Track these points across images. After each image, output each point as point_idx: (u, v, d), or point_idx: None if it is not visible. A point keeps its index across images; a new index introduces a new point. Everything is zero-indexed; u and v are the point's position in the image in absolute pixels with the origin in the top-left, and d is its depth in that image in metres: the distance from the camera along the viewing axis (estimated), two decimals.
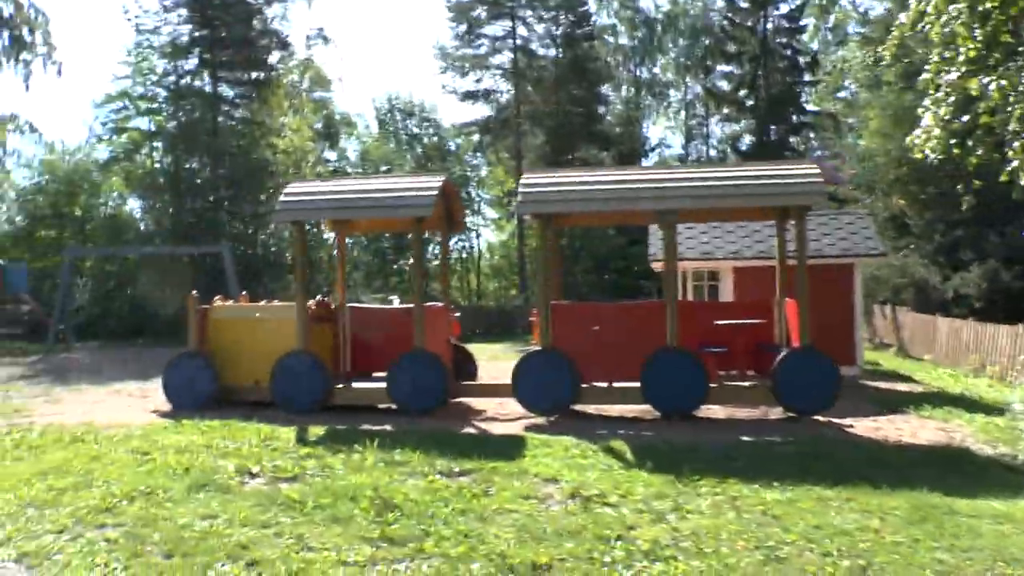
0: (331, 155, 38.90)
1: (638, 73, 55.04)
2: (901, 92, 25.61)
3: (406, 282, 42.61)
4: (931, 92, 9.64)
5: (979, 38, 8.72)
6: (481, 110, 42.09)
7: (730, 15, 44.91)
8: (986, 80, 8.64)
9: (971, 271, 21.88)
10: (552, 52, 41.57)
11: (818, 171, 10.86)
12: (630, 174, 11.05)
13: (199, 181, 27.76)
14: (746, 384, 11.03)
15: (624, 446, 8.80)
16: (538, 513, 6.19)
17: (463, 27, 40.63)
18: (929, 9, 9.24)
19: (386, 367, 12.37)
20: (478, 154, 41.88)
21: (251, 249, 26.70)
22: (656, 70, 56.05)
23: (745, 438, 9.61)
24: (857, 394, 13.05)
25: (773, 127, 43.98)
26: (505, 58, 41.48)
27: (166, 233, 28.06)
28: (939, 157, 9.74)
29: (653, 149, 47.69)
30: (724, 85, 50.61)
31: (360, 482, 6.73)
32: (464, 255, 44.64)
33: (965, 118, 9.26)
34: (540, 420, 10.67)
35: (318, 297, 12.47)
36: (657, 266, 15.45)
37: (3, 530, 5.59)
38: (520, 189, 10.75)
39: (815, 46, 48.46)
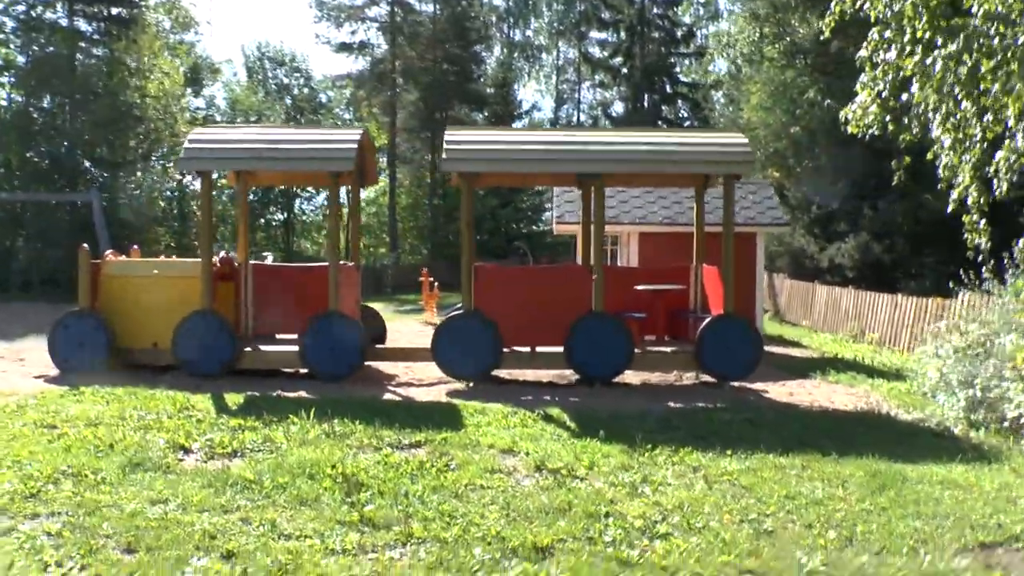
0: (198, 102, 36.75)
1: (511, 35, 54.72)
2: (783, 68, 26.40)
3: (272, 238, 41.07)
4: (868, 69, 9.75)
5: (924, 19, 8.84)
6: (356, 64, 40.71)
7: None
8: (928, 60, 8.78)
9: (847, 242, 22.90)
10: (430, 8, 40.62)
11: (747, 141, 10.91)
12: (558, 135, 10.80)
13: (57, 123, 25.38)
14: (668, 350, 11.03)
15: (562, 414, 8.61)
16: (513, 489, 5.89)
17: None
18: None
19: (288, 329, 11.79)
20: (350, 108, 40.50)
21: (120, 199, 24.75)
22: (529, 33, 55.84)
23: (673, 404, 9.62)
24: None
25: (647, 96, 44.74)
26: (382, 10, 40.22)
27: (15, 177, 25.71)
28: (874, 133, 9.90)
29: (526, 112, 47.52)
30: (597, 52, 51.14)
31: (312, 457, 6.21)
32: (327, 212, 43.37)
33: (904, 96, 9.42)
34: (458, 385, 10.36)
35: (221, 254, 11.60)
36: (562, 228, 15.32)
37: None
38: (447, 146, 10.26)
39: (686, 19, 49.33)
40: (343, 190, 14.65)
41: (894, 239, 23.46)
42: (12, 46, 28.46)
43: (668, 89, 44.86)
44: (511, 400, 9.36)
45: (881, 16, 9.58)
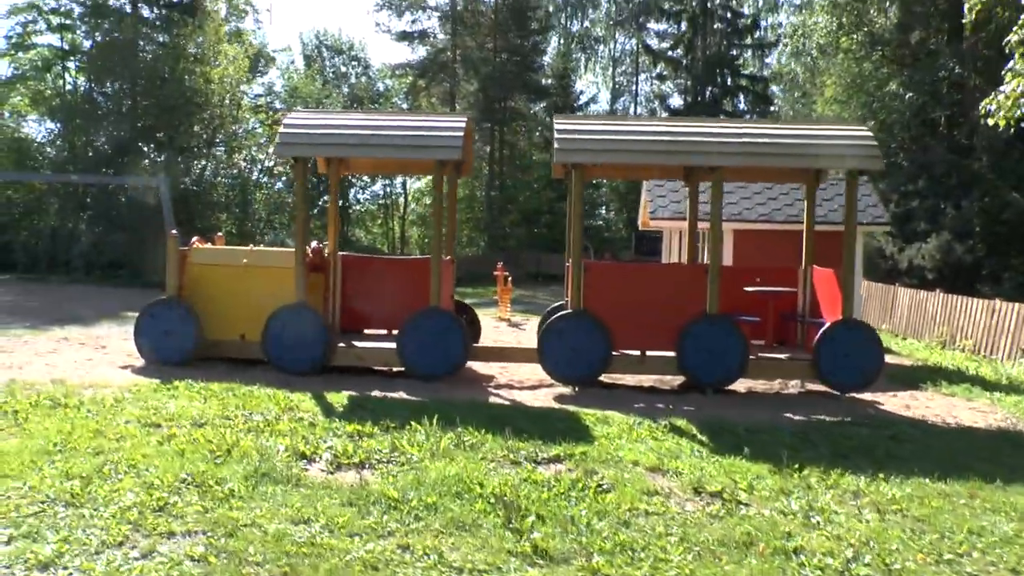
0: (256, 89, 36.53)
1: (569, 26, 53.91)
2: (860, 59, 25.45)
3: (325, 227, 40.78)
4: (1018, 56, 8.95)
5: None
6: (415, 53, 40.20)
7: None
8: None
9: (928, 242, 21.95)
10: None
11: (871, 134, 10.18)
12: (671, 126, 10.12)
13: (124, 108, 25.20)
14: (782, 357, 10.34)
15: (690, 426, 7.98)
16: (680, 516, 5.29)
17: None
18: None
19: (378, 324, 11.31)
20: (408, 97, 40.08)
21: (182, 184, 24.50)
22: (587, 24, 55.01)
23: (794, 416, 8.97)
24: None
25: (708, 88, 43.74)
26: (443, 0, 39.72)
27: (81, 161, 25.59)
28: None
29: (585, 104, 46.75)
30: (656, 43, 50.19)
31: (453, 473, 5.66)
32: (387, 201, 43.00)
33: None
34: (564, 389, 9.78)
35: (313, 244, 11.12)
36: (655, 224, 14.65)
37: (43, 543, 4.31)
38: (559, 135, 9.66)
39: (746, 10, 48.20)
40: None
41: (976, 240, 22.51)
42: (78, 31, 28.37)
43: (729, 81, 43.80)
44: (624, 407, 8.77)
45: None
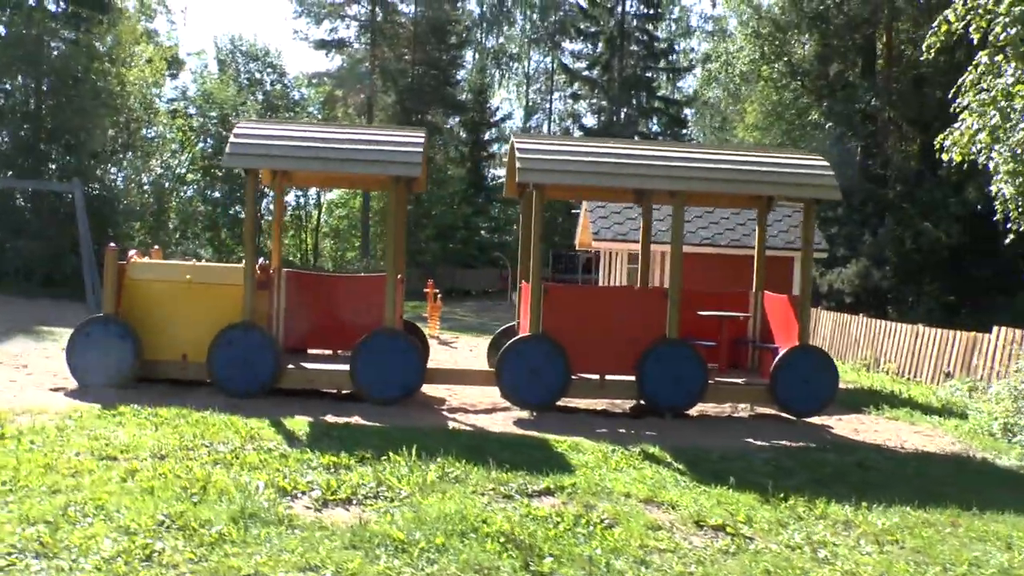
0: (169, 92, 35.13)
1: (484, 42, 53.95)
2: (779, 89, 26.17)
3: (235, 238, 39.45)
4: (971, 94, 9.21)
5: None
6: (333, 61, 39.49)
7: None
8: None
9: (848, 267, 22.65)
10: (411, 9, 39.63)
11: (828, 164, 10.33)
12: (630, 148, 10.06)
13: (28, 107, 23.69)
14: (739, 382, 10.37)
15: (663, 453, 7.87)
16: (691, 552, 5.13)
17: None
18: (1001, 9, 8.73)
19: (323, 343, 10.91)
20: (324, 107, 39.30)
21: (95, 190, 23.23)
22: (502, 40, 55.17)
23: (754, 441, 8.99)
24: None
25: (624, 109, 44.39)
26: (363, 9, 39.11)
27: None
28: (977, 160, 9.40)
29: (501, 120, 46.79)
30: (571, 62, 50.66)
31: (450, 510, 5.35)
32: (300, 212, 41.98)
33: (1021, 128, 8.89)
34: (522, 414, 9.57)
35: (260, 260, 10.60)
36: (597, 245, 14.61)
37: None
38: (520, 155, 9.46)
39: (660, 33, 49.21)
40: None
41: (890, 266, 23.34)
42: None
43: (645, 103, 44.56)
44: (588, 433, 8.62)
45: (993, 40, 9.06)
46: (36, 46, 24.69)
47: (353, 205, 41.94)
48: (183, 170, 29.24)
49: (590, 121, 49.82)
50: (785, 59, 26.23)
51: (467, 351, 16.15)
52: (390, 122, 39.48)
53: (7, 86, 26.12)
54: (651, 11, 44.25)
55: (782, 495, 6.61)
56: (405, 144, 9.44)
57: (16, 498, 5.22)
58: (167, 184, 27.62)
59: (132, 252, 10.15)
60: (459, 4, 41.50)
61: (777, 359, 9.98)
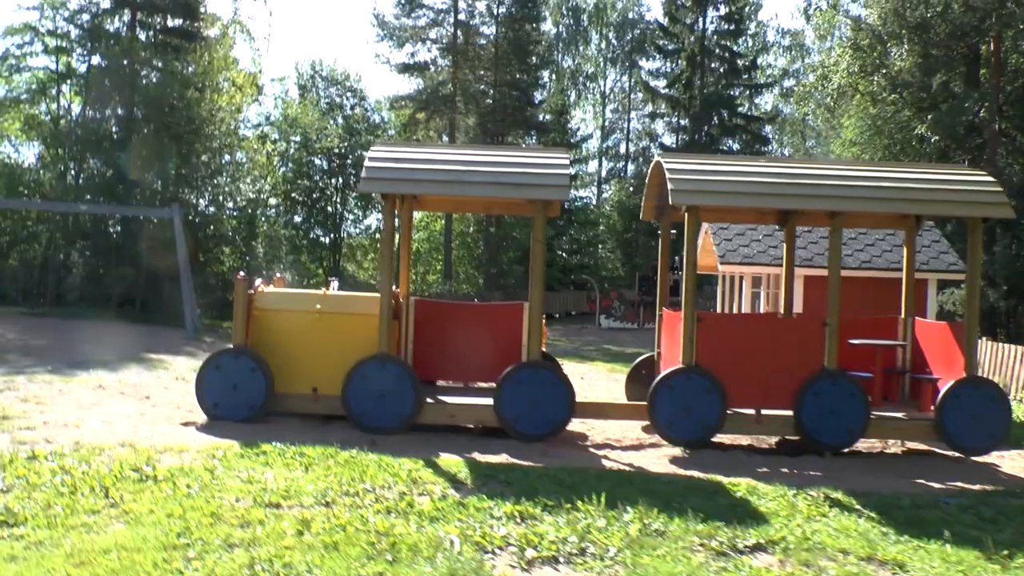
0: (253, 118, 35.56)
1: (561, 62, 53.61)
2: (878, 103, 25.14)
3: (319, 262, 39.62)
4: None
5: None
6: (414, 84, 39.50)
7: (671, 11, 44.03)
8: None
9: (961, 288, 21.50)
10: (492, 30, 39.49)
11: (995, 180, 9.56)
12: (788, 167, 9.42)
13: (125, 134, 23.95)
14: (901, 416, 9.59)
15: (849, 499, 7.17)
16: None
17: None
18: None
19: (455, 375, 10.46)
20: (406, 130, 39.31)
21: (189, 216, 23.35)
22: (579, 60, 54.76)
23: (929, 483, 8.22)
24: None
25: (706, 127, 43.56)
26: (445, 31, 39.11)
27: (79, 189, 24.44)
28: None
29: (582, 141, 46.29)
30: (650, 81, 50.02)
31: (673, 571, 4.78)
32: (376, 235, 41.95)
33: None
34: (674, 451, 8.94)
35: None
36: (728, 268, 13.96)
37: None
38: (671, 175, 8.88)
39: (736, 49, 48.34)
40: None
41: (1007, 286, 22.12)
42: (75, 54, 27.33)
43: (727, 120, 43.66)
44: (750, 473, 7.99)
45: None
46: (131, 75, 25.04)
47: (434, 228, 41.79)
48: (265, 195, 29.35)
49: (668, 140, 49.13)
50: (883, 71, 25.19)
51: (577, 379, 15.57)
52: (471, 143, 39.26)
53: (105, 114, 26.58)
54: (732, 27, 43.44)
55: (1005, 552, 5.89)
56: (552, 167, 8.96)
57: (197, 554, 4.80)
58: (256, 209, 27.68)
59: (259, 281, 9.83)
60: (538, 25, 41.17)
61: (944, 392, 9.18)
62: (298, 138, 34.31)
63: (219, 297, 23.34)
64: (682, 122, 47.04)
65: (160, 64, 25.97)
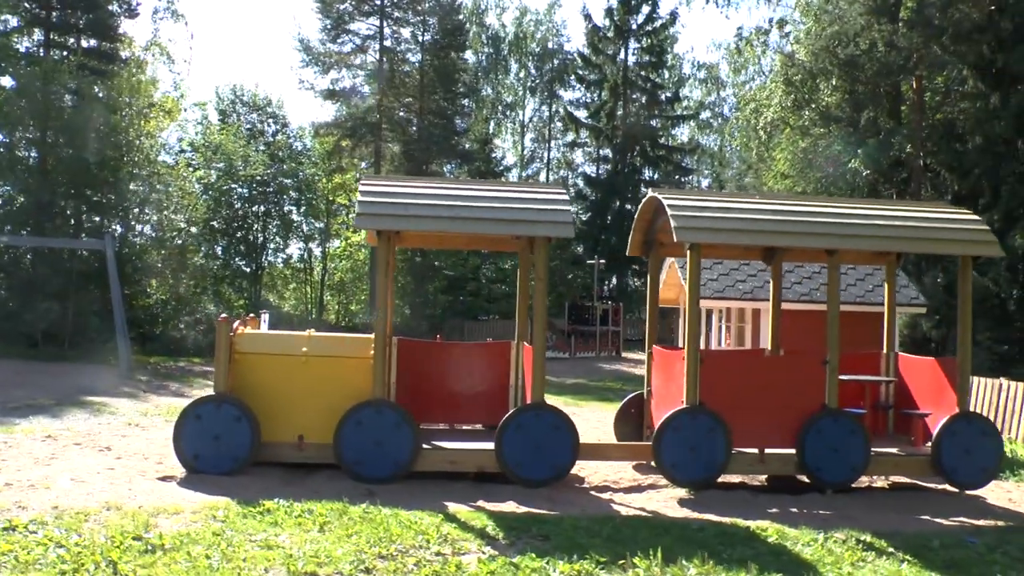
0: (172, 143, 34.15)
1: (482, 91, 53.65)
2: (810, 136, 25.84)
3: (240, 293, 38.26)
4: None
5: None
6: (338, 111, 38.66)
7: (593, 41, 44.60)
8: None
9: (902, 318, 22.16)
10: (418, 57, 39.18)
11: (981, 219, 9.74)
12: (781, 204, 9.39)
13: (43, 162, 22.50)
14: (896, 451, 9.60)
15: (877, 540, 7.08)
16: None
17: (329, 21, 37.24)
18: None
19: (439, 417, 10.04)
20: (331, 158, 38.51)
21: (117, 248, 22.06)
22: (499, 90, 54.91)
23: (937, 520, 8.22)
24: None
25: (628, 156, 44.13)
26: (369, 58, 38.61)
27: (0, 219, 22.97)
28: None
29: (506, 170, 46.24)
30: (570, 111, 50.49)
31: None
32: (304, 264, 40.89)
33: None
34: (680, 492, 8.73)
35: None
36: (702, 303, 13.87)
37: None
38: (674, 212, 8.72)
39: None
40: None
41: (940, 316, 22.88)
42: None
43: (650, 151, 44.33)
44: (761, 514, 7.88)
45: None
46: (47, 98, 23.74)
47: (358, 257, 40.99)
48: (196, 225, 28.19)
49: (589, 169, 49.62)
50: (813, 106, 25.95)
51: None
52: (397, 172, 38.78)
53: (17, 139, 25.14)
54: (654, 59, 44.23)
55: None
56: (552, 203, 8.68)
57: None
58: (185, 240, 26.53)
59: (236, 323, 9.22)
60: (463, 53, 41.07)
61: (940, 428, 9.23)
62: (221, 165, 33.16)
63: (145, 331, 22.19)
64: (603, 152, 47.64)
65: (79, 87, 24.66)
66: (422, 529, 6.43)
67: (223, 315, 9.04)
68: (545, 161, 55.20)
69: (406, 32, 38.91)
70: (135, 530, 6.14)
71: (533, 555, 5.83)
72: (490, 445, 8.51)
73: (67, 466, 8.59)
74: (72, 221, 22.75)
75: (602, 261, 36.89)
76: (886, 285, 10.96)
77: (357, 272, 41.14)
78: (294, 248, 39.90)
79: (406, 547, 5.98)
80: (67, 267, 22.29)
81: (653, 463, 8.86)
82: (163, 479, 8.24)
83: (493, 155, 43.91)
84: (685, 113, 48.17)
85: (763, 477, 9.81)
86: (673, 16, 43.97)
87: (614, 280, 45.54)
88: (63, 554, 5.59)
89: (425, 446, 8.62)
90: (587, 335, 34.62)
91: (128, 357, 18.06)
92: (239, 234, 36.68)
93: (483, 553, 5.91)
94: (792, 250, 10.19)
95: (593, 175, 47.59)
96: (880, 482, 10.10)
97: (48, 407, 12.92)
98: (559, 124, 53.69)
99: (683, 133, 52.56)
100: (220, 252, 36.47)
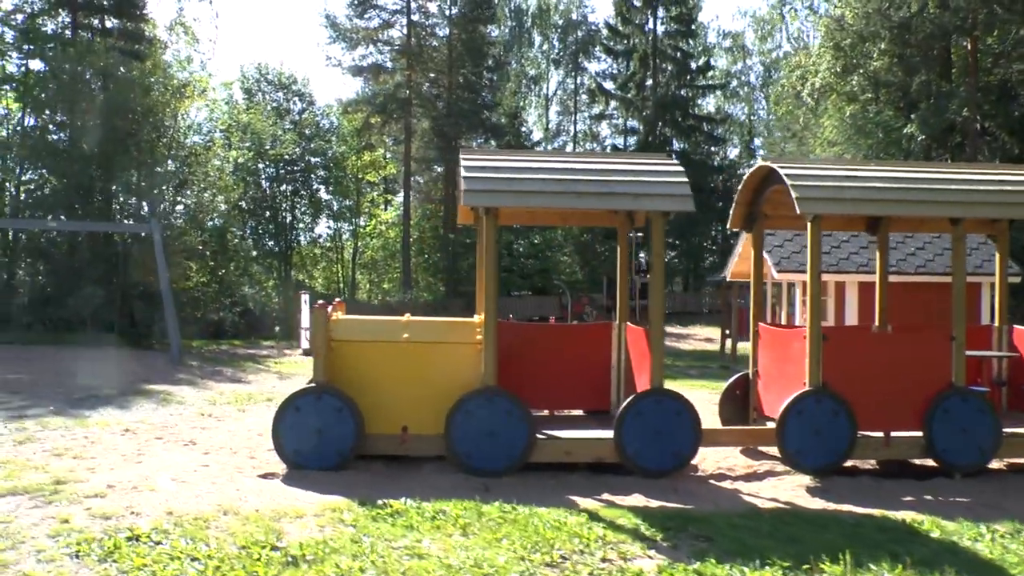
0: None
1: (509, 64, 52.79)
2: (860, 103, 25.11)
3: (266, 272, 37.85)
4: None
5: None
6: (366, 88, 37.98)
7: (622, 11, 43.70)
8: None
9: None
10: (446, 31, 38.44)
11: None
12: (899, 171, 8.83)
13: (79, 144, 21.94)
14: None
15: None
16: None
17: None
18: None
19: (538, 404, 9.55)
20: (361, 134, 37.94)
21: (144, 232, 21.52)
22: (523, 62, 54.09)
23: None
24: None
25: (659, 127, 43.35)
26: (397, 33, 37.91)
27: (27, 205, 22.56)
28: None
29: (537, 144, 45.52)
30: (597, 83, 49.63)
31: None
32: (335, 243, 40.45)
33: None
34: (805, 479, 8.23)
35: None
36: (783, 276, 13.35)
37: None
38: (795, 182, 8.17)
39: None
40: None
41: None
42: (12, 56, 25.33)
43: (681, 121, 43.53)
44: (895, 503, 7.43)
45: None
46: (82, 80, 23.23)
47: (389, 235, 40.51)
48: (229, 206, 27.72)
49: (617, 141, 48.85)
50: (861, 71, 25.16)
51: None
52: (426, 148, 38.21)
53: (46, 121, 24.68)
54: (683, 28, 43.33)
55: None
56: (668, 174, 8.14)
57: None
58: (226, 223, 26.11)
59: (330, 306, 8.73)
60: (491, 26, 40.30)
61: None
62: (248, 144, 32.67)
63: (186, 315, 21.80)
64: (631, 123, 46.89)
65: (107, 67, 24.06)
66: (575, 531, 5.97)
67: (320, 301, 8.54)
68: (571, 134, 54.41)
69: (432, 6, 38.15)
70: (267, 539, 5.70)
71: (714, 561, 5.36)
72: (608, 434, 8.04)
73: (159, 464, 8.17)
74: (107, 204, 22.22)
75: (639, 234, 36.22)
76: (997, 255, 10.38)
77: (389, 250, 40.70)
78: (323, 227, 39.57)
79: (567, 552, 5.52)
80: (106, 251, 21.86)
81: (777, 450, 8.37)
82: (264, 476, 7.80)
83: (522, 128, 43.20)
84: (714, 83, 47.25)
85: (873, 461, 9.33)
86: None
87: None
88: (202, 569, 5.15)
89: (539, 436, 8.15)
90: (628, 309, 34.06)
91: (178, 343, 17.67)
92: (267, 214, 36.28)
93: (649, 558, 5.45)
94: (906, 219, 9.64)
95: (621, 147, 46.87)
96: (997, 464, 9.59)
97: (113, 397, 12.53)
98: (584, 97, 52.87)
99: (709, 103, 51.73)
100: (248, 233, 36.11)
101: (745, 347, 24.04)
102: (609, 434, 8.02)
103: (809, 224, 8.33)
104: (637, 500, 7.27)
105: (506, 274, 39.31)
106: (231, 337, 25.88)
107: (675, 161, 8.58)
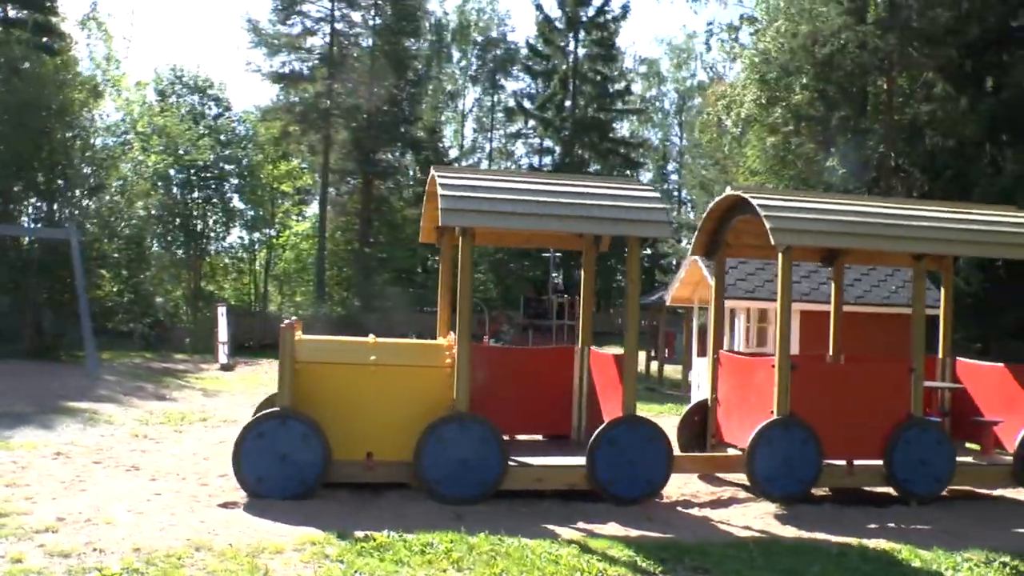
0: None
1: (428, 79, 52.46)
2: (786, 135, 25.82)
3: (177, 283, 36.45)
4: None
5: None
6: (289, 96, 37.08)
7: (544, 32, 44.03)
8: None
9: None
10: (369, 42, 37.94)
11: None
12: (871, 206, 9.04)
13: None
14: (979, 462, 9.38)
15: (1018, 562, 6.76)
16: None
17: (280, 1, 35.69)
18: None
19: (513, 428, 9.34)
20: (278, 143, 37.01)
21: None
22: (441, 78, 53.87)
23: None
24: None
25: (576, 149, 43.76)
26: (320, 41, 37.21)
27: None
28: None
29: (457, 159, 45.32)
30: (512, 102, 49.87)
31: None
32: (246, 254, 39.15)
33: None
34: (771, 507, 8.31)
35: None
36: (730, 303, 13.46)
37: None
38: (773, 213, 8.25)
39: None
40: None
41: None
42: None
43: (599, 143, 44.02)
44: (862, 531, 7.61)
45: None
46: None
47: (302, 247, 39.63)
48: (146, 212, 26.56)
49: (532, 161, 49.09)
50: (784, 104, 25.92)
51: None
52: (344, 159, 37.63)
53: None
54: (604, 51, 43.93)
55: None
56: (647, 200, 8.10)
57: None
58: (144, 230, 24.95)
59: (286, 323, 8.34)
60: (416, 38, 39.99)
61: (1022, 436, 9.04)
62: (161, 148, 31.46)
63: (97, 326, 20.68)
64: (547, 143, 47.27)
65: (25, 61, 22.62)
66: (574, 565, 5.84)
67: (287, 320, 8.14)
68: (487, 152, 54.44)
69: (356, 16, 37.65)
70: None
71: None
72: (581, 461, 7.91)
73: (107, 492, 7.62)
74: (6, 206, 20.72)
75: (557, 254, 36.37)
76: (943, 289, 10.70)
77: (302, 262, 39.80)
78: (235, 237, 38.32)
79: None
80: (12, 257, 20.58)
81: (744, 477, 8.41)
82: (224, 505, 7.37)
83: (441, 144, 42.98)
84: (632, 107, 48.08)
85: (826, 489, 9.47)
86: (625, 9, 43.69)
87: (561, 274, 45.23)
88: None
89: (511, 463, 7.95)
90: (544, 329, 34.16)
91: (96, 356, 16.75)
92: (178, 221, 34.94)
93: None
94: (867, 253, 9.84)
95: (536, 167, 47.16)
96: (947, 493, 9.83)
97: (31, 416, 11.71)
98: (501, 114, 53.02)
99: (624, 127, 52.62)
100: (158, 241, 34.71)
101: (675, 370, 24.43)
102: (581, 460, 7.89)
103: (780, 255, 8.41)
104: (616, 529, 7.19)
105: (421, 291, 38.93)
106: (141, 349, 24.78)
107: (650, 186, 8.61)
